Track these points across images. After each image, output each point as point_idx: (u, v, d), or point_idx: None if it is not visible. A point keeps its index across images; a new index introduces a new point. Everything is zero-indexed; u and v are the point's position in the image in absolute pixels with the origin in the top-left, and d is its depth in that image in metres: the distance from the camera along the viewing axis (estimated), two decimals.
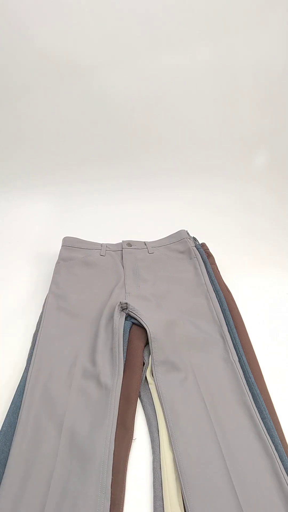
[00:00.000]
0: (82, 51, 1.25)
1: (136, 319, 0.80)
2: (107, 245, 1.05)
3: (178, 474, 0.56)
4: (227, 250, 1.11)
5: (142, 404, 0.69)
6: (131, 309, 0.82)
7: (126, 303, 0.83)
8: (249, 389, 0.67)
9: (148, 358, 0.75)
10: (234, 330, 0.79)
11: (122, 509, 0.54)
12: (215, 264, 1.00)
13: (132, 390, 0.68)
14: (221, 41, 1.26)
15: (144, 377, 0.72)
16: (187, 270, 0.97)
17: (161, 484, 0.56)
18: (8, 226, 1.27)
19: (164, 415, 0.64)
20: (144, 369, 0.74)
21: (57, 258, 1.00)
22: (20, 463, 0.56)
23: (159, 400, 0.67)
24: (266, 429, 0.61)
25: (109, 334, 0.77)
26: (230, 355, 0.73)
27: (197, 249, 1.02)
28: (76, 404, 0.65)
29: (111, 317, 0.81)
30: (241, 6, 1.20)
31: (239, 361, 0.72)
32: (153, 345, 0.75)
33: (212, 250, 1.04)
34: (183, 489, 0.54)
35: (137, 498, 0.57)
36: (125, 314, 0.82)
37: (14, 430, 0.61)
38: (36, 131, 1.39)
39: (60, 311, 0.85)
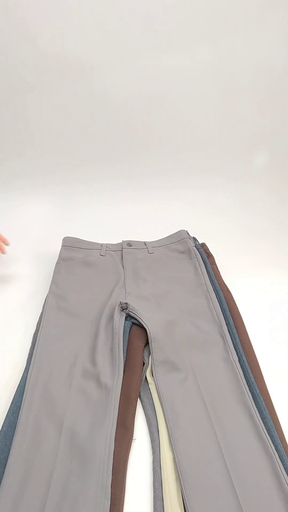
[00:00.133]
0: (82, 51, 1.25)
1: (136, 319, 0.80)
2: (107, 245, 1.05)
3: (178, 474, 0.56)
4: (227, 250, 1.11)
5: (142, 404, 0.69)
6: (131, 309, 0.82)
7: (126, 303, 0.83)
8: (249, 389, 0.67)
9: (148, 358, 0.75)
10: (234, 330, 0.79)
11: (122, 509, 0.54)
12: (215, 264, 1.00)
13: (132, 390, 0.68)
14: (221, 41, 1.26)
15: (144, 377, 0.72)
16: (187, 270, 0.97)
17: (161, 484, 0.56)
18: (8, 226, 1.26)
19: (164, 415, 0.64)
20: (144, 369, 0.74)
21: (57, 258, 1.00)
22: (20, 463, 0.56)
23: (159, 400, 0.67)
24: (266, 429, 0.61)
25: (109, 334, 0.77)
26: (230, 355, 0.73)
27: (197, 249, 1.02)
28: (76, 404, 0.65)
29: (111, 317, 0.81)
30: (241, 6, 1.20)
31: (239, 361, 0.72)
32: (153, 345, 0.75)
33: (212, 250, 1.04)
34: (183, 489, 0.54)
35: (137, 498, 0.57)
36: (125, 314, 0.82)
37: (14, 430, 0.61)
38: (36, 131, 1.39)
39: (60, 311, 0.85)
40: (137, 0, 1.17)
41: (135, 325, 0.81)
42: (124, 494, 0.56)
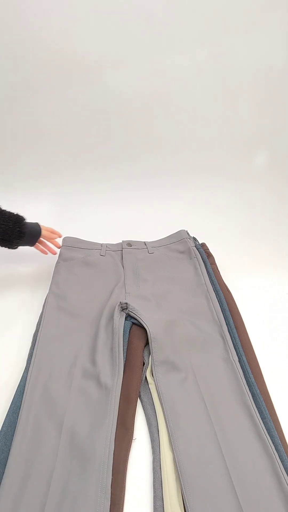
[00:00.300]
0: (82, 52, 1.25)
1: (136, 319, 0.80)
2: (107, 245, 1.05)
3: (178, 474, 0.56)
4: (227, 250, 1.11)
5: (142, 404, 0.69)
6: (131, 309, 0.82)
7: (126, 303, 0.83)
8: (249, 389, 0.67)
9: (148, 358, 0.75)
10: (234, 330, 0.79)
11: (122, 509, 0.54)
12: (215, 264, 1.00)
13: (132, 390, 0.68)
14: (221, 41, 1.26)
15: (144, 377, 0.72)
16: (187, 270, 0.97)
17: (161, 484, 0.56)
18: None
19: (164, 415, 0.64)
20: (144, 369, 0.74)
21: (57, 258, 1.00)
22: (20, 463, 0.56)
23: (159, 400, 0.67)
24: (266, 429, 0.61)
25: (109, 334, 0.77)
26: (230, 355, 0.73)
27: (197, 249, 1.02)
28: (76, 404, 0.65)
29: (111, 317, 0.81)
30: (241, 6, 1.20)
31: (239, 361, 0.72)
32: (153, 345, 0.75)
33: (212, 250, 1.04)
34: (183, 489, 0.54)
35: (137, 498, 0.57)
36: (125, 314, 0.82)
37: (14, 430, 0.61)
38: (37, 132, 1.39)
39: (60, 311, 0.85)
40: (139, 1, 1.17)
41: (135, 325, 0.81)
42: (124, 494, 0.56)
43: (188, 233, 1.07)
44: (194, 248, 1.02)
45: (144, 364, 0.75)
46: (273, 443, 0.59)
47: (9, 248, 0.95)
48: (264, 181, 1.47)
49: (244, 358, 0.73)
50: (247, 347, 0.77)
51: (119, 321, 0.79)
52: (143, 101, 1.35)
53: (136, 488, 0.58)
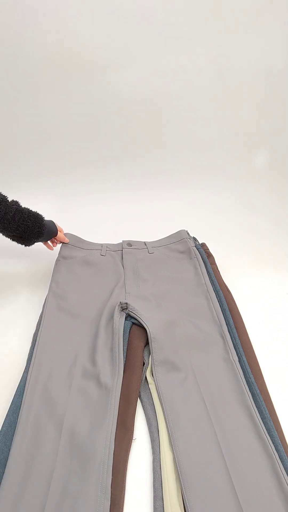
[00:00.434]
0: (83, 52, 1.25)
1: (136, 319, 0.80)
2: (107, 245, 1.05)
3: (178, 474, 0.56)
4: (227, 250, 1.11)
5: (142, 404, 0.69)
6: (131, 309, 0.82)
7: (126, 303, 0.83)
8: (249, 389, 0.67)
9: (148, 358, 0.75)
10: (234, 330, 0.79)
11: (122, 509, 0.54)
12: (215, 264, 1.00)
13: (132, 390, 0.68)
14: (221, 41, 1.26)
15: (144, 377, 0.72)
16: (187, 270, 0.97)
17: (161, 484, 0.56)
18: None
19: (164, 415, 0.64)
20: (144, 369, 0.74)
21: (57, 255, 1.00)
22: (20, 463, 0.56)
23: (159, 400, 0.67)
24: (266, 429, 0.61)
25: (109, 334, 0.77)
26: (230, 355, 0.73)
27: (197, 249, 1.02)
28: (76, 404, 0.65)
29: (111, 317, 0.81)
30: (241, 6, 1.20)
31: (239, 361, 0.72)
32: (153, 345, 0.75)
33: (212, 250, 1.04)
34: (183, 489, 0.54)
35: (137, 498, 0.57)
36: (125, 314, 0.82)
37: (14, 430, 0.61)
38: (37, 133, 1.39)
39: (60, 311, 0.85)
40: (140, 2, 1.17)
41: (135, 325, 0.81)
42: (124, 494, 0.56)
43: (188, 233, 1.07)
44: (194, 248, 1.02)
45: (144, 364, 0.75)
46: (273, 443, 0.59)
47: (25, 246, 0.93)
48: (264, 181, 1.47)
49: (244, 358, 0.73)
50: (247, 347, 0.77)
51: (119, 321, 0.79)
52: (143, 101, 1.35)
53: (136, 488, 0.58)
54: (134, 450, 0.63)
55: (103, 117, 1.38)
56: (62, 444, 0.59)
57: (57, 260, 0.99)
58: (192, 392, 0.67)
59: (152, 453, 0.61)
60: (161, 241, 1.08)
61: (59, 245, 1.04)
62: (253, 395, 0.66)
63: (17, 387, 0.68)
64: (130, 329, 0.80)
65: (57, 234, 0.98)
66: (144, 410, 0.68)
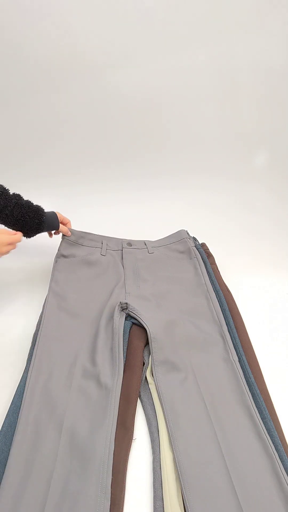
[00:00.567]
0: (83, 53, 1.25)
1: (136, 319, 0.80)
2: (107, 242, 1.04)
3: (178, 474, 0.56)
4: (227, 250, 1.11)
5: (142, 404, 0.69)
6: (131, 309, 0.82)
7: (126, 303, 0.83)
8: (249, 389, 0.67)
9: (148, 358, 0.75)
10: (234, 330, 0.79)
11: (122, 509, 0.54)
12: (215, 264, 1.00)
13: (132, 390, 0.68)
14: (221, 41, 1.26)
15: (144, 377, 0.72)
16: (187, 270, 0.97)
17: (161, 484, 0.56)
18: None
19: (164, 415, 0.64)
20: (144, 369, 0.74)
21: (57, 252, 0.99)
22: (20, 463, 0.56)
23: (159, 400, 0.67)
24: (266, 429, 0.61)
25: (109, 334, 0.77)
26: (230, 355, 0.73)
27: (197, 249, 1.02)
28: (76, 404, 0.65)
29: (111, 317, 0.81)
30: (241, 6, 1.20)
31: (239, 361, 0.72)
32: (153, 345, 0.75)
33: (212, 250, 1.04)
34: (183, 489, 0.54)
35: (137, 498, 0.57)
36: (125, 314, 0.82)
37: (14, 430, 0.61)
38: (38, 133, 1.39)
39: (60, 311, 0.84)
40: (139, 2, 1.17)
41: (135, 325, 0.81)
42: (124, 494, 0.56)
43: (188, 233, 1.07)
44: (194, 248, 1.02)
45: (144, 364, 0.75)
46: (273, 443, 0.59)
47: (26, 238, 0.93)
48: (264, 181, 1.47)
49: (244, 358, 0.73)
50: (247, 347, 0.77)
51: (119, 321, 0.79)
52: (143, 101, 1.35)
53: (136, 488, 0.58)
54: (134, 450, 0.63)
55: (103, 117, 1.38)
56: (62, 444, 0.59)
57: (57, 257, 0.98)
58: (192, 392, 0.67)
59: (152, 453, 0.61)
60: (161, 241, 1.08)
61: (59, 240, 1.02)
62: (253, 395, 0.66)
63: (17, 387, 0.68)
64: (130, 329, 0.80)
65: (58, 229, 0.97)
66: (144, 410, 0.68)
